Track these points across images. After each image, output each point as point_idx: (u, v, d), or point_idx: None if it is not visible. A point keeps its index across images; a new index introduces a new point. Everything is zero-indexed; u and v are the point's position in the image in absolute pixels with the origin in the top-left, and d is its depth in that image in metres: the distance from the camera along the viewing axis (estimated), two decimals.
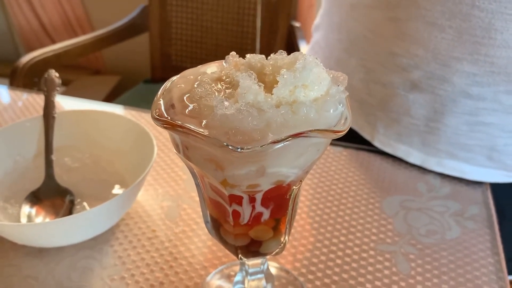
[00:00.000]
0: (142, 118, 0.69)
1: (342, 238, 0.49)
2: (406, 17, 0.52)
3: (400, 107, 0.57)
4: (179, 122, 0.26)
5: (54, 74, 0.58)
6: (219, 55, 1.47)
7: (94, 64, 2.01)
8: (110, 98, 1.77)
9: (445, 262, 0.47)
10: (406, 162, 0.60)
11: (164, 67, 1.52)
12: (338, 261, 0.46)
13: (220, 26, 1.42)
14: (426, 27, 0.51)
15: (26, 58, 1.20)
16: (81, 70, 2.00)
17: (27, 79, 1.19)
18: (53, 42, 1.98)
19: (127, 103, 1.41)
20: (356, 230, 0.50)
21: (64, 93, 1.48)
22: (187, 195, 0.54)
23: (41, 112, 0.68)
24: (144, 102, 1.43)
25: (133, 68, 1.93)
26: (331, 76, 0.29)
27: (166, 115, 0.28)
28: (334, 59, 0.65)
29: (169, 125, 0.27)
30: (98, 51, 1.45)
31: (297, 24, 1.33)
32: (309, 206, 0.53)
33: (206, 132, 0.25)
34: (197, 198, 0.54)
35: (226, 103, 0.26)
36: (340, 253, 0.47)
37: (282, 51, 0.32)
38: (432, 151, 0.58)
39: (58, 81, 0.57)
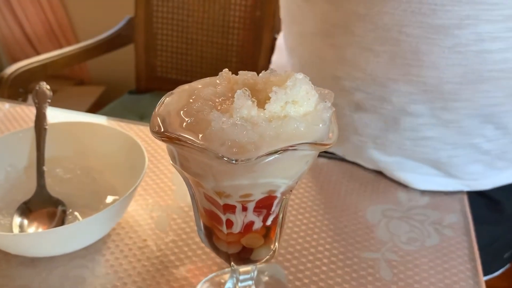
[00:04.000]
0: (130, 130, 0.70)
1: (328, 246, 0.51)
2: (344, 43, 0.55)
3: (348, 126, 0.61)
4: (177, 135, 0.28)
5: (45, 86, 0.59)
6: (204, 67, 1.49)
7: (79, 74, 2.00)
8: (94, 108, 1.77)
9: (425, 268, 0.49)
10: None
11: (149, 78, 1.53)
12: (324, 268, 0.48)
13: (205, 39, 1.44)
14: (362, 52, 0.54)
15: (11, 69, 1.20)
16: (65, 80, 2.00)
17: (12, 89, 1.19)
18: (37, 52, 1.97)
19: (112, 114, 1.42)
20: (341, 238, 0.52)
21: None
22: (176, 205, 0.56)
23: (27, 124, 0.69)
24: (129, 113, 1.44)
25: (117, 79, 1.93)
26: (319, 93, 0.31)
27: (164, 129, 0.29)
28: None
29: (167, 138, 0.28)
30: (83, 62, 1.45)
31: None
32: (296, 215, 0.55)
33: (203, 145, 0.27)
34: (186, 208, 0.55)
35: (222, 117, 0.28)
36: (325, 261, 0.49)
37: (272, 69, 0.34)
38: (382, 165, 0.62)
39: (49, 93, 0.58)
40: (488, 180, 0.61)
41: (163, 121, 0.30)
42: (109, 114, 1.43)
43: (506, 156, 0.59)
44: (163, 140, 0.28)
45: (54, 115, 0.72)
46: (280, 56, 0.76)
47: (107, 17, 1.68)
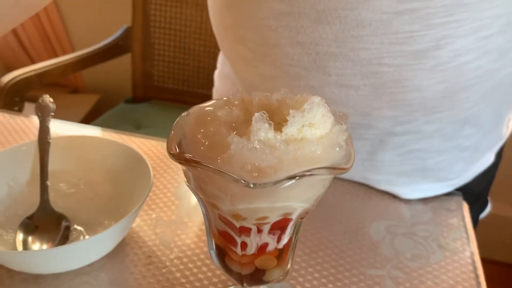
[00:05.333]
0: (132, 142, 0.69)
1: (333, 263, 0.51)
2: (320, 84, 0.54)
3: None
4: (195, 159, 0.28)
5: (48, 99, 0.59)
6: (201, 77, 1.49)
7: (73, 82, 1.99)
8: (89, 117, 1.76)
9: (431, 284, 0.49)
10: None
11: (146, 87, 1.53)
12: (330, 286, 0.48)
13: (202, 48, 1.45)
14: (341, 89, 0.53)
15: (7, 78, 1.19)
16: (58, 88, 1.98)
17: (8, 98, 1.18)
18: (32, 60, 1.96)
19: (108, 123, 1.42)
20: (346, 255, 0.52)
21: None
22: (180, 220, 0.55)
23: (28, 135, 0.68)
24: (125, 123, 1.43)
25: (113, 87, 1.92)
26: (334, 115, 0.31)
27: (180, 151, 0.29)
28: None
29: (185, 161, 0.28)
30: (80, 71, 1.45)
31: None
32: (301, 232, 0.54)
33: (222, 168, 0.27)
34: (190, 224, 0.55)
35: (242, 141, 0.28)
36: (331, 278, 0.49)
37: (285, 89, 0.34)
38: (372, 183, 0.63)
39: (52, 106, 0.58)
40: (468, 173, 0.64)
41: (179, 143, 0.30)
42: (106, 123, 1.43)
43: (480, 148, 0.62)
44: (180, 163, 0.28)
45: (55, 126, 0.72)
46: (223, 83, 0.73)
47: (104, 26, 1.68)
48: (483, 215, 0.78)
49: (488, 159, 0.67)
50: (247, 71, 0.61)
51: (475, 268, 0.51)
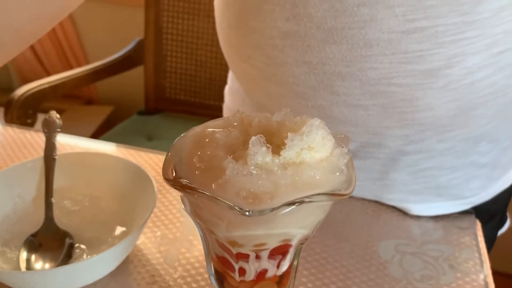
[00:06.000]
0: (140, 157, 0.69)
1: (340, 284, 0.49)
2: (328, 103, 0.53)
3: None
4: (189, 184, 0.27)
5: (55, 115, 0.59)
6: (213, 89, 1.49)
7: (87, 94, 2.02)
8: (103, 128, 1.78)
9: None
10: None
11: (158, 99, 1.54)
12: None
13: (214, 61, 1.45)
14: (350, 109, 0.52)
15: (21, 91, 1.20)
16: (73, 100, 2.01)
17: (22, 111, 1.20)
18: (47, 72, 1.99)
19: (121, 135, 1.43)
20: (354, 276, 0.51)
21: None
22: (185, 238, 0.55)
23: (36, 150, 0.69)
24: (138, 134, 1.44)
25: (126, 99, 1.94)
26: (335, 137, 0.31)
27: (176, 175, 0.29)
28: None
29: (180, 187, 0.28)
30: (93, 83, 1.46)
31: None
32: (307, 250, 0.54)
33: (217, 195, 0.26)
34: (195, 242, 0.54)
35: (236, 165, 0.27)
36: None
37: (287, 110, 0.33)
38: (383, 201, 0.61)
39: (59, 122, 0.58)
40: (488, 191, 0.62)
41: (175, 167, 0.29)
42: (119, 134, 1.44)
43: (500, 164, 0.60)
44: (176, 188, 0.28)
45: (63, 140, 0.72)
46: (233, 99, 0.72)
47: (117, 38, 1.70)
48: (502, 231, 0.76)
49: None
50: (255, 89, 0.60)
51: None
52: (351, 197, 0.63)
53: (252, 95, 0.62)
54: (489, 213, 0.65)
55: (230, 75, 0.74)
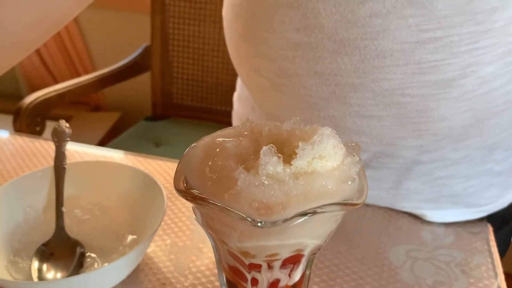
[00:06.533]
0: (148, 165, 0.69)
1: None
2: (340, 115, 0.52)
3: None
4: (201, 195, 0.27)
5: (64, 124, 0.59)
6: (220, 94, 1.50)
7: (95, 100, 2.03)
8: (110, 134, 1.78)
9: None
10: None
11: (165, 105, 1.55)
12: None
13: (220, 66, 1.45)
14: (363, 120, 0.51)
15: (29, 99, 1.21)
16: (81, 106, 2.02)
17: (30, 119, 1.21)
18: (55, 79, 2.01)
19: (129, 141, 1.43)
20: (365, 282, 0.50)
21: None
22: (195, 245, 0.55)
23: (46, 159, 0.69)
24: (145, 140, 1.44)
25: (133, 105, 1.95)
26: (346, 146, 0.30)
27: (187, 186, 0.29)
28: None
29: (192, 198, 0.27)
30: (100, 90, 1.47)
31: None
32: (318, 257, 0.53)
33: (229, 206, 0.26)
34: (205, 249, 0.54)
35: (248, 176, 0.27)
36: None
37: (296, 118, 0.33)
38: (397, 208, 0.61)
39: (68, 131, 0.59)
40: (505, 199, 0.61)
41: (186, 178, 0.29)
42: (126, 140, 1.44)
43: None
44: (187, 199, 0.28)
45: (72, 148, 0.73)
46: (242, 106, 0.72)
47: (124, 45, 1.71)
48: None
49: None
50: (265, 99, 0.60)
51: None
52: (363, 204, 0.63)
53: (262, 105, 0.62)
54: (503, 219, 0.64)
55: (239, 82, 0.74)
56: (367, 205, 0.62)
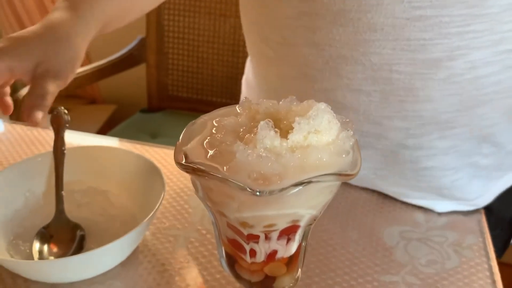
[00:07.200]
0: (146, 152, 0.70)
1: (347, 270, 0.50)
2: (331, 87, 0.54)
3: None
4: (202, 167, 0.28)
5: (63, 110, 0.60)
6: (215, 85, 1.50)
7: (90, 93, 2.02)
8: (106, 127, 1.78)
9: None
10: None
11: (161, 97, 1.55)
12: None
13: (215, 57, 1.46)
14: (352, 94, 0.53)
15: (25, 91, 1.21)
16: (76, 99, 2.02)
17: None
18: None
19: (125, 132, 1.44)
20: (360, 262, 0.51)
21: None
22: (193, 227, 0.56)
23: (44, 147, 0.70)
24: (141, 132, 1.45)
25: (129, 98, 1.95)
26: (340, 121, 0.31)
27: (188, 160, 0.30)
28: None
29: (192, 170, 0.28)
30: (96, 82, 1.47)
31: None
32: (314, 238, 0.55)
33: (228, 177, 0.27)
34: (204, 231, 0.55)
35: (246, 148, 0.28)
36: (345, 285, 0.49)
37: (292, 97, 0.34)
38: (389, 193, 0.62)
39: (67, 117, 0.59)
40: (490, 192, 0.62)
41: (185, 153, 0.30)
42: (122, 132, 1.45)
43: (502, 167, 0.60)
44: (187, 172, 0.29)
45: (70, 137, 0.73)
46: (250, 93, 0.74)
47: (119, 37, 1.70)
48: None
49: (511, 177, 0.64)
50: (268, 71, 0.62)
51: (492, 274, 0.50)
52: (355, 186, 0.64)
53: (266, 77, 0.64)
54: (496, 221, 0.65)
55: (248, 64, 0.75)
56: (362, 189, 0.63)
